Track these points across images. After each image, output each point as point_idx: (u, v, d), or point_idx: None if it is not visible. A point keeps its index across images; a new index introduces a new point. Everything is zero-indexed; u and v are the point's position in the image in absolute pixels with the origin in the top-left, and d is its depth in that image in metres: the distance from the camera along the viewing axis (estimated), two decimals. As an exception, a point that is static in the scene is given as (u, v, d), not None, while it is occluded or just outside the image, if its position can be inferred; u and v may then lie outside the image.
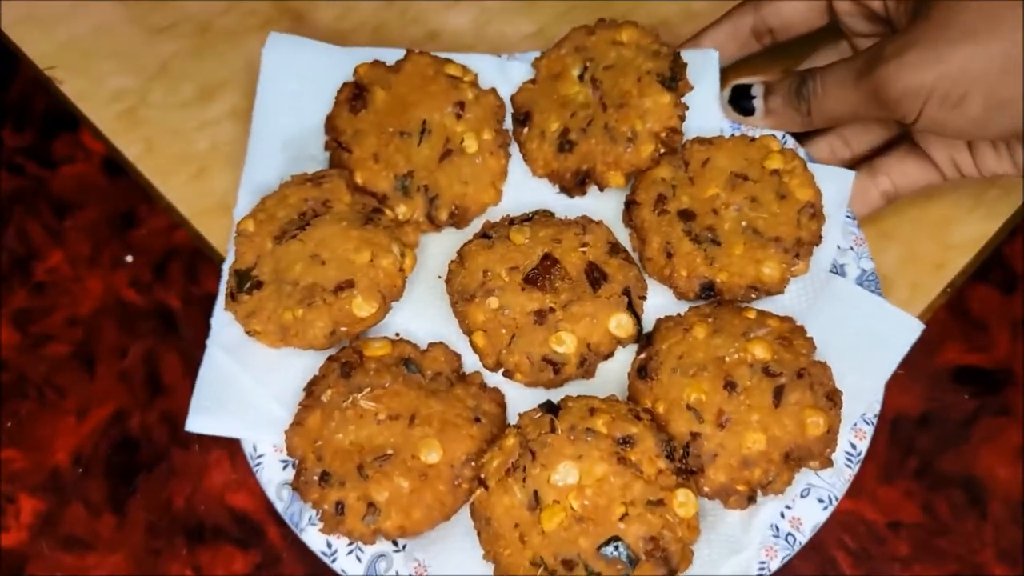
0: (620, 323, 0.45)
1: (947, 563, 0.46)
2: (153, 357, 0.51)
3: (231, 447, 0.48)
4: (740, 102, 0.50)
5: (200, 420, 0.45)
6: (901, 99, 0.42)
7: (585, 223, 0.48)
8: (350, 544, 0.43)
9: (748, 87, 0.50)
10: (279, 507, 0.44)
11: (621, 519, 0.39)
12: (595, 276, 0.46)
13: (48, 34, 0.60)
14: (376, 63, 0.51)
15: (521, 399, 0.46)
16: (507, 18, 0.61)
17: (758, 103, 0.49)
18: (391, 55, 0.52)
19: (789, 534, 0.43)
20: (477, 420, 0.43)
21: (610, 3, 0.60)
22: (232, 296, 0.45)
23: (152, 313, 0.52)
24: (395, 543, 0.43)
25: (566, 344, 0.44)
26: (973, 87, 0.41)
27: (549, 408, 0.42)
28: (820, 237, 0.47)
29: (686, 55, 0.51)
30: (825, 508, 0.43)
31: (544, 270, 0.46)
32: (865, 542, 0.47)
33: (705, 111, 0.51)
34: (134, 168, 0.56)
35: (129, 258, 0.54)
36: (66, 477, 0.48)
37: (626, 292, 0.46)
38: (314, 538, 0.43)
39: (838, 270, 0.48)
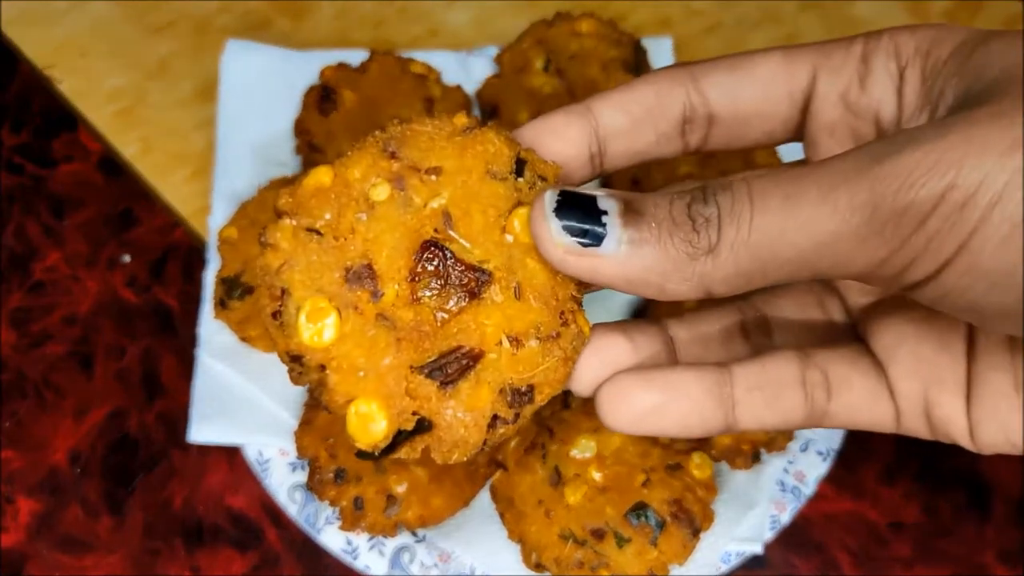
0: None
1: (948, 564, 0.46)
2: (151, 357, 0.51)
3: (229, 448, 0.48)
4: (577, 221, 0.23)
5: (203, 430, 0.45)
6: (932, 222, 0.20)
7: None
8: (371, 539, 0.43)
9: (591, 199, 0.23)
10: (292, 510, 0.44)
11: (643, 485, 0.40)
12: None
13: (46, 33, 0.60)
14: (341, 65, 0.52)
15: None
16: (508, 16, 0.60)
17: (613, 228, 0.22)
18: (351, 57, 0.52)
19: (795, 487, 0.45)
20: None
21: (610, 2, 0.60)
22: (222, 304, 0.45)
23: (150, 313, 0.52)
24: (415, 534, 0.44)
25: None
26: None
27: None
28: None
29: (642, 43, 0.53)
30: (824, 460, 0.45)
31: None
32: (866, 543, 0.47)
33: None
34: (132, 167, 0.56)
35: (127, 257, 0.54)
36: (64, 478, 0.48)
37: None
38: (333, 537, 0.43)
39: None
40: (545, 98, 0.51)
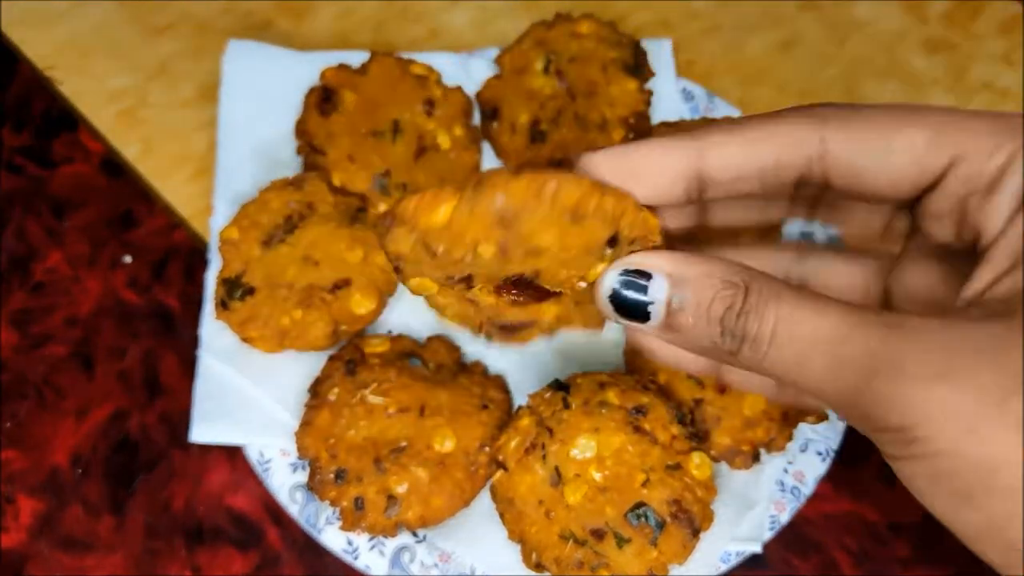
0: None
1: (948, 564, 0.46)
2: (152, 358, 0.51)
3: (230, 448, 0.48)
4: (629, 299, 0.27)
5: (204, 430, 0.45)
6: (913, 429, 0.22)
7: None
8: (371, 539, 0.43)
9: (646, 276, 0.26)
10: (293, 510, 0.44)
11: (643, 485, 0.40)
12: None
13: (47, 34, 0.60)
14: (342, 66, 0.52)
15: (516, 385, 0.48)
16: (508, 17, 0.61)
17: (657, 307, 0.26)
18: (353, 58, 0.53)
19: (794, 487, 0.45)
20: (485, 407, 0.44)
21: (610, 3, 0.60)
22: (223, 305, 0.45)
23: (151, 313, 0.52)
24: (415, 534, 0.44)
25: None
26: None
27: (559, 386, 0.43)
28: None
29: (642, 44, 0.54)
30: (824, 460, 0.45)
31: None
32: (866, 543, 0.47)
33: (664, 98, 0.54)
34: (133, 168, 0.56)
35: (128, 258, 0.54)
36: (65, 478, 0.48)
37: None
38: (333, 537, 0.44)
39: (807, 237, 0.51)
40: (546, 99, 0.52)
